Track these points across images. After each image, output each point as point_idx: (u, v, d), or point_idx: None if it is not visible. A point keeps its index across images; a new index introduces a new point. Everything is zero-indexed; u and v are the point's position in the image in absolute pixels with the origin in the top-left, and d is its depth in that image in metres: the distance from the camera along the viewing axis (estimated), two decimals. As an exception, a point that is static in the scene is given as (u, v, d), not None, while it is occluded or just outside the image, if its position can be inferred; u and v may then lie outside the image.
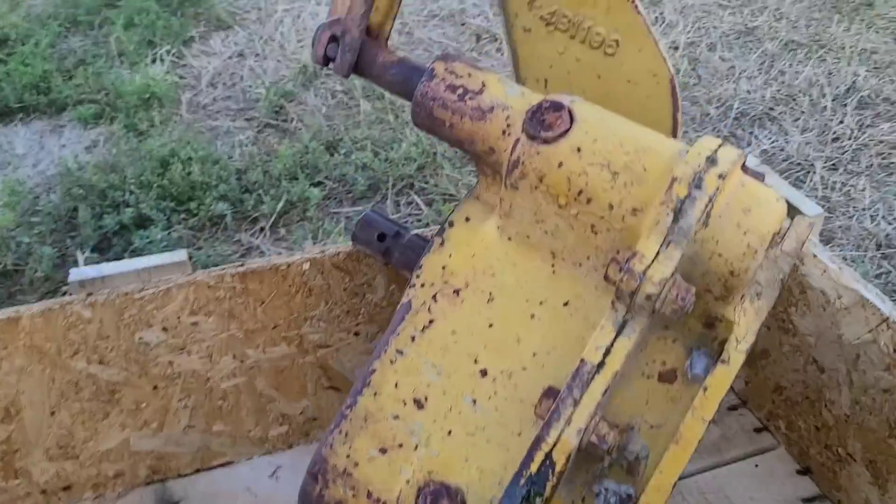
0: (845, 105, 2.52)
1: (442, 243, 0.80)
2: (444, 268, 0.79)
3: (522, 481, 0.68)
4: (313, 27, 3.21)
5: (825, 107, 2.52)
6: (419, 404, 0.76)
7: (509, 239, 0.77)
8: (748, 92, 2.62)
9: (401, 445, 0.76)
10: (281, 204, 2.07)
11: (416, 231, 0.96)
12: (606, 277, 0.67)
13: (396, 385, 0.77)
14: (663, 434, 0.71)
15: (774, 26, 3.11)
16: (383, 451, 0.76)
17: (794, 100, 2.57)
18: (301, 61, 2.88)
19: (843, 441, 1.04)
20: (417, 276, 0.80)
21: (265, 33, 3.20)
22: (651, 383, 0.73)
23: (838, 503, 1.07)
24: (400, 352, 0.78)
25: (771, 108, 2.52)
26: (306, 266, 1.03)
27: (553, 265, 0.76)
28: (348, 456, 0.77)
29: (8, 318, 0.95)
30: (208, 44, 3.15)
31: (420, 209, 2.09)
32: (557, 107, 0.70)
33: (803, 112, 2.50)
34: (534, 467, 0.68)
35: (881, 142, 2.32)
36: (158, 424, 1.08)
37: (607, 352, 0.68)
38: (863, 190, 2.12)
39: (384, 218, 0.98)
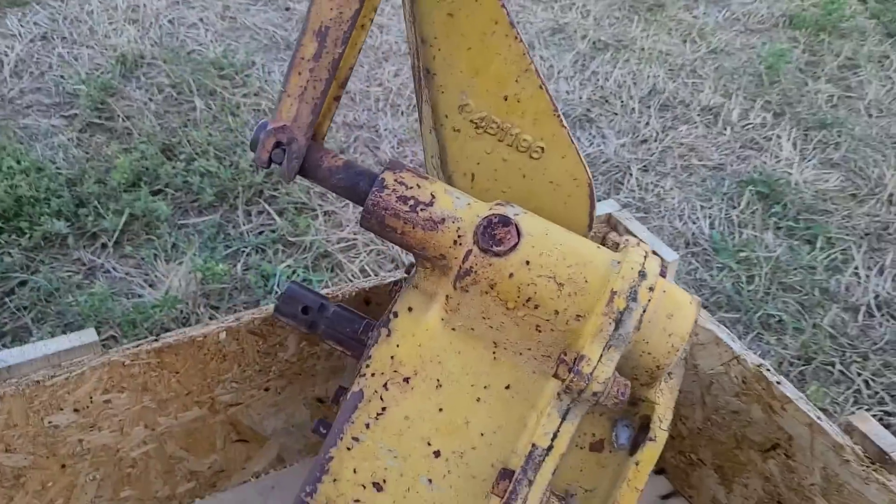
0: (649, 107, 2.81)
1: (388, 334, 0.85)
2: (392, 357, 0.85)
3: (488, 557, 0.77)
4: (124, 7, 2.98)
5: (633, 108, 2.79)
6: (378, 487, 0.82)
7: (453, 329, 0.84)
8: (567, 93, 2.83)
9: (363, 528, 0.82)
10: (124, 218, 1.96)
11: (337, 304, 1.00)
12: (556, 376, 0.77)
13: (355, 470, 0.83)
14: (597, 496, 0.83)
15: (582, 24, 3.35)
16: (347, 534, 0.81)
17: (607, 101, 2.82)
18: (118, 49, 2.69)
19: (695, 449, 1.24)
20: (367, 366, 0.85)
21: (69, 13, 2.93)
22: (583, 453, 0.84)
23: (690, 498, 1.27)
24: (356, 439, 0.83)
25: (588, 110, 2.75)
26: (223, 335, 1.04)
27: (494, 353, 0.84)
28: (312, 542, 0.81)
29: None
30: (3, 23, 2.83)
31: (273, 219, 2.07)
32: (506, 222, 0.78)
33: (616, 114, 2.75)
34: (498, 544, 0.77)
35: (681, 144, 2.63)
36: (64, 501, 1.04)
37: (555, 436, 0.78)
38: (670, 190, 2.40)
39: (306, 290, 1.01)
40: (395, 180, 0.81)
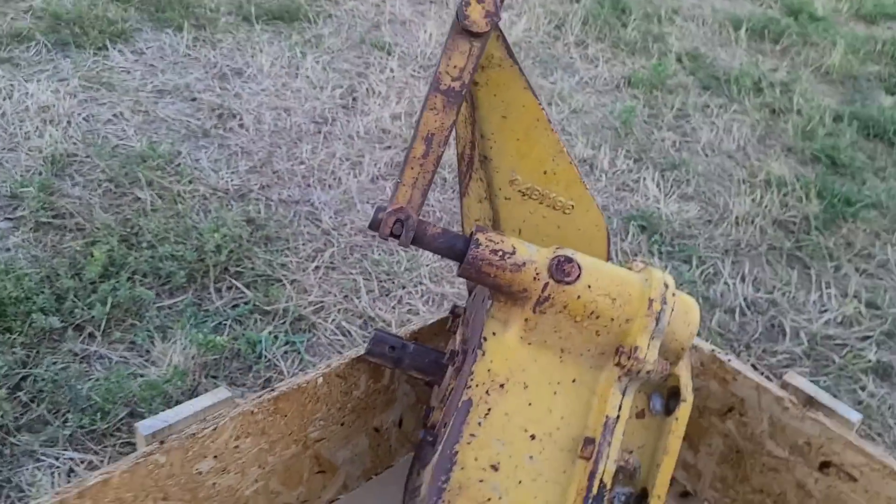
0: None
1: (483, 353, 1.13)
2: (489, 370, 1.12)
3: (590, 502, 1.05)
4: (35, 109, 3.04)
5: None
6: (495, 468, 1.09)
7: (530, 343, 1.13)
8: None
9: (489, 500, 1.07)
10: (108, 308, 2.07)
11: (414, 342, 1.27)
12: (618, 364, 1.08)
13: (476, 458, 1.09)
14: (646, 451, 1.14)
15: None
16: (477, 506, 1.07)
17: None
18: (44, 150, 2.76)
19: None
20: (472, 380, 1.11)
21: (-20, 117, 2.95)
22: (632, 421, 1.15)
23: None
24: (473, 435, 1.10)
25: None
26: (320, 380, 1.26)
27: (561, 357, 1.14)
28: (454, 518, 1.06)
29: (100, 481, 1.03)
30: (-82, 135, 2.81)
31: (243, 293, 2.25)
32: (569, 259, 1.09)
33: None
34: (595, 490, 1.05)
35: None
36: (194, 540, 1.21)
37: (620, 407, 1.09)
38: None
39: (388, 334, 1.26)
40: (486, 238, 1.09)
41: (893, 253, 3.02)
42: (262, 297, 2.24)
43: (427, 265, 2.50)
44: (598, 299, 1.09)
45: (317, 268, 2.42)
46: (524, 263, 1.09)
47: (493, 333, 1.14)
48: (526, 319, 1.12)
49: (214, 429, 1.14)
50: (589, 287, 1.09)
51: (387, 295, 2.38)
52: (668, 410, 1.14)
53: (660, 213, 3.00)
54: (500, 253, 1.09)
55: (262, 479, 1.27)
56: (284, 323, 2.17)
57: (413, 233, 1.08)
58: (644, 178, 3.24)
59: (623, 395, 1.10)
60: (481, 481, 1.08)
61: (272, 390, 1.21)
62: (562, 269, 1.08)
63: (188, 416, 1.12)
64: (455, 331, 1.30)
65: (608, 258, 1.22)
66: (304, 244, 2.51)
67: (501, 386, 1.12)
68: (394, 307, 2.32)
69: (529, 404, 1.12)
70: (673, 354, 1.12)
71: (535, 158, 1.16)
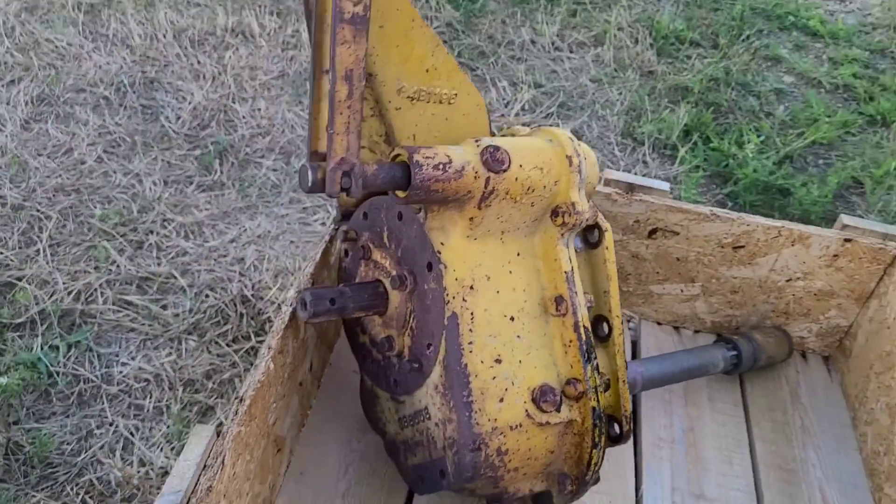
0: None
1: (445, 266, 1.09)
2: (456, 279, 1.09)
3: (585, 348, 1.14)
4: None
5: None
6: (499, 361, 1.10)
7: (476, 239, 1.12)
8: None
9: (506, 389, 1.11)
10: None
11: (343, 284, 1.17)
12: (562, 224, 1.13)
13: (482, 361, 1.09)
14: (587, 285, 1.25)
15: None
16: (501, 399, 1.10)
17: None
18: None
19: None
20: (447, 294, 1.08)
21: None
22: (567, 265, 1.24)
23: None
24: (471, 343, 1.09)
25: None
26: (271, 366, 1.11)
27: (502, 238, 1.15)
28: (489, 419, 1.08)
29: None
30: None
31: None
32: (496, 148, 1.07)
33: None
34: (583, 336, 1.14)
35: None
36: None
37: (570, 259, 1.17)
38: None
39: (318, 288, 1.14)
40: (423, 157, 1.02)
41: (526, 32, 3.39)
42: (7, 312, 1.79)
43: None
44: (531, 174, 1.10)
45: (39, 251, 1.98)
46: (462, 168, 1.05)
47: (442, 244, 1.11)
48: (471, 218, 1.10)
49: (222, 467, 0.97)
50: (521, 166, 1.09)
51: (140, 247, 2.06)
52: (591, 244, 1.24)
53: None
54: (441, 166, 1.03)
55: (250, 490, 1.13)
56: (52, 328, 1.79)
57: (362, 180, 0.96)
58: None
59: (567, 248, 1.17)
60: (494, 378, 1.10)
61: (241, 399, 1.05)
62: (496, 160, 1.07)
63: (194, 473, 0.93)
64: (367, 256, 1.22)
65: (490, 132, 1.23)
66: (10, 233, 2.01)
67: (472, 288, 1.11)
68: (158, 257, 2.03)
69: (497, 292, 1.14)
70: (588, 196, 1.20)
71: (416, 59, 1.08)
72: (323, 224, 2.23)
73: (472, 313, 1.10)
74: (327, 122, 0.92)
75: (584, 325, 1.15)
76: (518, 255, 1.16)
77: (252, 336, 1.85)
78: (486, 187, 1.06)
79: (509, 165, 1.07)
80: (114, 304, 1.87)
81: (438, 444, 1.13)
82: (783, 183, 2.63)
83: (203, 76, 2.84)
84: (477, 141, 1.09)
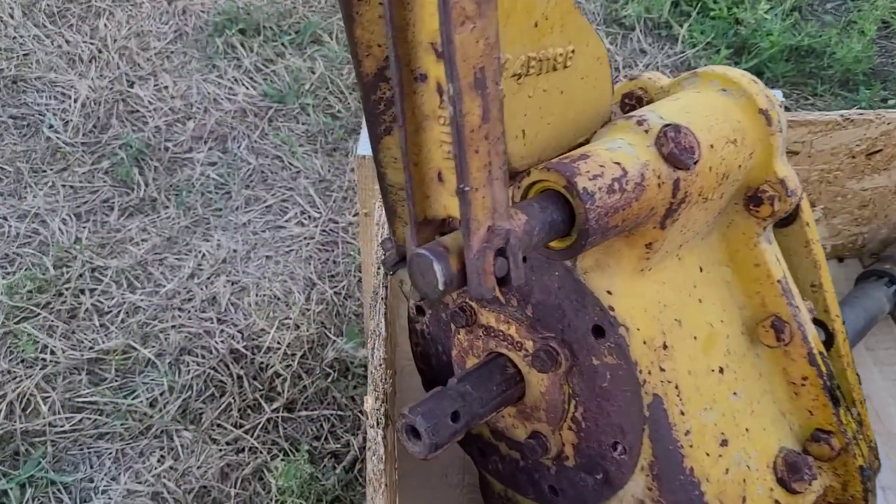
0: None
1: (627, 329, 0.72)
2: (644, 343, 0.73)
3: (829, 384, 0.80)
4: None
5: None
6: (725, 443, 0.76)
7: (649, 270, 0.75)
8: None
9: (744, 478, 0.76)
10: None
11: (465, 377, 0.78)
12: (762, 212, 0.77)
13: (707, 454, 0.74)
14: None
15: None
16: (743, 500, 0.76)
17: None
18: None
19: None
20: (639, 371, 0.72)
21: None
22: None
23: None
24: (687, 433, 0.73)
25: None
26: None
27: (678, 256, 0.78)
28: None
29: None
30: None
31: None
32: (677, 129, 0.68)
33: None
34: (822, 367, 0.80)
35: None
36: None
37: (778, 259, 0.81)
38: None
39: (430, 400, 0.75)
40: (588, 177, 0.62)
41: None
42: None
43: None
44: (725, 155, 0.72)
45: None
46: (642, 176, 0.66)
47: (609, 293, 0.73)
48: (648, 245, 0.72)
49: None
50: (712, 147, 0.71)
51: (73, 317, 1.59)
52: (784, 221, 0.88)
53: None
54: (617, 185, 0.64)
55: None
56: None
57: (522, 254, 0.57)
58: None
59: (771, 244, 0.81)
60: (727, 472, 0.76)
61: None
62: (683, 147, 0.68)
63: None
64: (470, 322, 0.83)
65: (612, 91, 0.83)
66: None
67: (665, 348, 0.74)
68: (103, 325, 1.57)
69: (695, 338, 0.77)
70: (778, 157, 0.83)
71: (521, 12, 0.66)
72: (301, 224, 1.79)
73: (676, 388, 0.74)
74: (445, 171, 0.51)
75: (819, 352, 0.81)
76: (701, 270, 0.80)
77: (263, 403, 1.44)
78: (674, 195, 0.68)
79: (699, 152, 0.69)
80: (64, 408, 1.43)
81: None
82: (811, 42, 2.30)
83: (79, 59, 2.28)
84: (639, 121, 0.70)
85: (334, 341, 1.54)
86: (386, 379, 0.85)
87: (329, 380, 1.49)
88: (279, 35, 2.35)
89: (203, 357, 1.50)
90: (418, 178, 0.58)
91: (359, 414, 1.45)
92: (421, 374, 0.96)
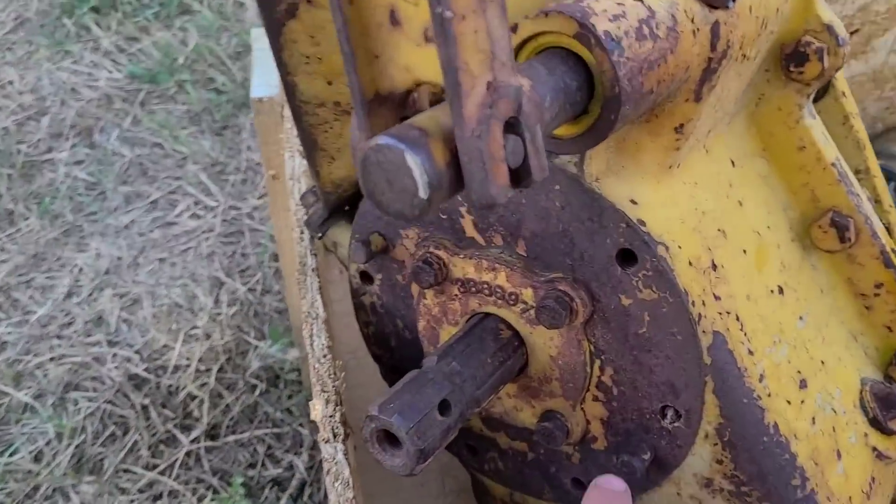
0: None
1: (667, 247, 0.52)
2: (690, 265, 0.53)
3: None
4: None
5: None
6: (804, 384, 0.58)
7: (678, 167, 0.55)
8: None
9: (832, 422, 0.59)
10: None
11: (435, 355, 0.57)
12: (807, 73, 0.58)
13: (788, 401, 0.56)
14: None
15: None
16: (837, 453, 0.58)
17: None
18: None
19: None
20: (689, 300, 0.53)
21: None
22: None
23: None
24: (761, 377, 0.55)
25: None
26: None
27: (705, 147, 0.59)
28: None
29: None
30: None
31: None
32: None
33: None
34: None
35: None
36: None
37: (826, 137, 0.63)
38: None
39: (402, 390, 0.54)
40: (608, 19, 0.42)
41: None
42: None
43: None
44: (765, -10, 0.54)
45: None
46: (673, 18, 0.46)
47: (634, 202, 0.53)
48: (679, 126, 0.52)
49: None
50: (748, -23, 0.52)
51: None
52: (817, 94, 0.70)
53: None
54: (645, 28, 0.44)
55: None
56: None
57: (539, 126, 0.36)
58: None
59: (816, 118, 0.63)
60: (814, 420, 0.58)
61: None
62: (718, -23, 0.49)
63: None
64: (440, 278, 0.62)
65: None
66: None
67: (714, 267, 0.55)
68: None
69: (744, 252, 0.59)
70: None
71: None
72: (196, 216, 1.54)
73: (738, 319, 0.55)
74: (401, 5, 0.30)
75: (893, 250, 0.63)
76: (733, 165, 0.61)
77: (178, 435, 1.20)
78: (713, 47, 0.49)
79: (737, -19, 0.50)
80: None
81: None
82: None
83: None
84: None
85: (256, 347, 1.30)
86: (335, 373, 0.64)
87: (257, 393, 1.26)
88: (140, 10, 2.07)
89: (95, 390, 1.24)
90: (359, 25, 0.36)
91: (299, 428, 1.22)
92: (379, 362, 0.74)
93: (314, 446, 1.18)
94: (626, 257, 0.53)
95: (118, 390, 1.23)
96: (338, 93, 0.57)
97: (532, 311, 0.58)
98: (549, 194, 0.55)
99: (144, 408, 1.22)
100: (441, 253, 0.61)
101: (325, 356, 0.64)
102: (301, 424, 1.22)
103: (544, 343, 0.59)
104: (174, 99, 1.82)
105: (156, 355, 1.28)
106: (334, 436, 0.59)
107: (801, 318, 0.61)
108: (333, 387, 0.62)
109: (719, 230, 0.57)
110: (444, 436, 0.54)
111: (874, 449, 0.61)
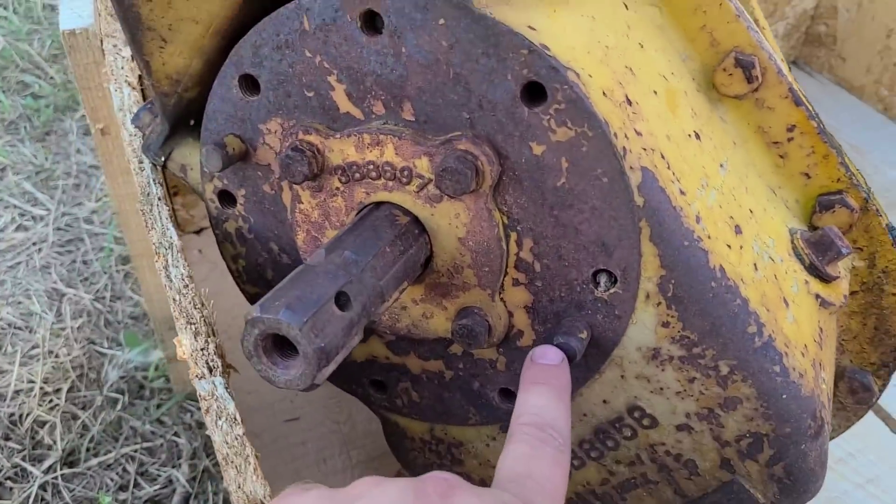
0: None
1: (577, 74, 0.45)
2: (603, 95, 0.46)
3: (821, 125, 0.59)
4: None
5: None
6: (738, 229, 0.52)
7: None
8: None
9: (775, 276, 0.53)
10: None
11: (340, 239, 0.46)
12: None
13: (728, 245, 0.50)
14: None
15: None
16: (784, 300, 0.53)
17: None
18: None
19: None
20: (611, 131, 0.45)
21: None
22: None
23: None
24: (698, 217, 0.48)
25: None
26: None
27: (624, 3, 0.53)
28: (800, 351, 0.51)
29: None
30: None
31: None
32: None
33: None
34: (812, 111, 0.59)
35: None
36: None
37: None
38: None
39: (297, 287, 0.44)
40: None
41: None
42: None
43: None
44: None
45: None
46: None
47: (532, 28, 0.46)
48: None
49: None
50: None
51: None
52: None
53: None
54: None
55: None
56: None
57: None
58: None
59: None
60: (755, 266, 0.52)
61: None
62: None
63: None
64: (316, 170, 0.52)
65: None
66: None
67: (629, 102, 0.49)
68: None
69: (654, 93, 0.53)
70: None
71: None
72: (23, 228, 1.34)
73: (663, 157, 0.49)
74: None
75: (800, 91, 0.59)
76: (626, 8, 0.56)
77: (28, 467, 1.02)
78: None
79: None
80: None
81: (705, 463, 0.54)
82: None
83: None
84: None
85: (112, 357, 1.14)
86: (201, 304, 0.52)
87: (119, 407, 1.10)
88: (-68, 20, 1.83)
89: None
90: None
91: (175, 438, 1.07)
92: (253, 301, 0.63)
93: (195, 454, 1.03)
94: (533, 93, 0.46)
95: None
96: (159, -64, 0.46)
97: (430, 186, 0.50)
98: (432, 33, 0.46)
99: (-20, 445, 1.03)
100: (313, 138, 0.52)
101: (186, 286, 0.53)
102: (176, 433, 1.06)
103: (449, 223, 0.51)
104: (-17, 109, 1.61)
105: (-10, 383, 1.09)
106: (210, 370, 0.48)
107: (721, 165, 0.56)
108: (202, 317, 0.51)
109: (626, 67, 0.51)
110: (347, 333, 0.44)
111: (817, 296, 0.56)
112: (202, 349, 0.49)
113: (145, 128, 0.62)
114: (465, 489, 0.36)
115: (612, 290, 0.49)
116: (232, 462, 0.44)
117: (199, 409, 1.09)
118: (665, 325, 0.49)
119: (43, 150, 1.52)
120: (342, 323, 0.43)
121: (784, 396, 0.49)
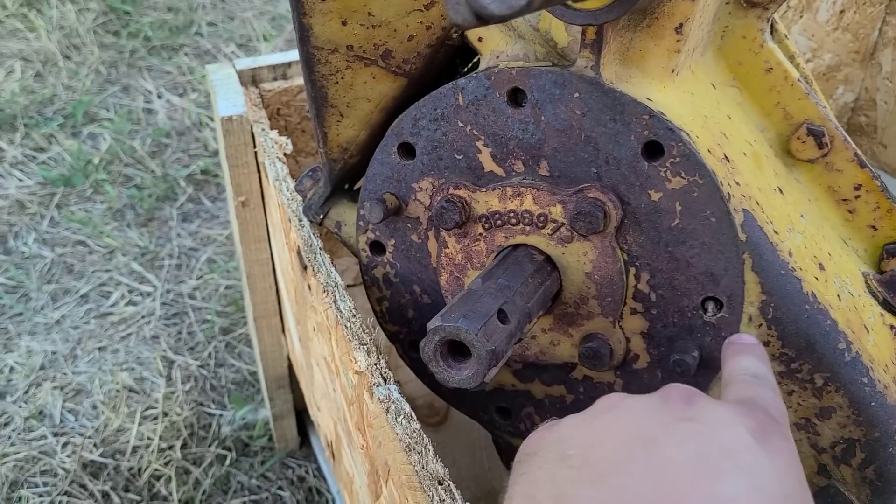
0: None
1: (688, 134, 0.55)
2: (708, 151, 0.57)
3: (883, 183, 0.69)
4: None
5: None
6: (821, 266, 0.61)
7: (678, 75, 0.60)
8: None
9: (855, 308, 0.62)
10: None
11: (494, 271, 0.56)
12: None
13: (815, 277, 0.59)
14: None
15: None
16: (865, 327, 0.61)
17: None
18: None
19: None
20: (718, 180, 0.55)
21: None
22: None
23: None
24: (790, 253, 0.58)
25: None
26: None
27: (690, 68, 0.64)
28: (883, 368, 0.59)
29: None
30: None
31: None
32: None
33: None
34: (872, 169, 0.68)
35: None
36: None
37: (792, 57, 0.69)
38: None
39: (466, 305, 0.53)
40: None
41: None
42: None
43: None
44: None
45: None
46: None
47: (649, 99, 0.57)
48: (678, 27, 0.57)
49: None
50: None
51: None
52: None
53: None
54: None
55: None
56: None
57: None
58: None
59: (774, 43, 0.70)
60: (839, 297, 0.61)
61: None
62: None
63: None
64: (462, 219, 0.63)
65: None
66: None
67: (727, 159, 0.59)
68: None
69: (744, 154, 0.63)
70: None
71: None
72: (133, 303, 1.47)
73: (758, 203, 0.59)
74: None
75: (862, 156, 0.69)
76: (714, 87, 0.66)
77: (147, 515, 1.10)
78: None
79: None
80: None
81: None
82: None
83: None
84: None
85: (220, 416, 1.23)
86: (369, 328, 0.62)
87: (227, 463, 1.18)
88: (43, 123, 2.03)
89: (46, 484, 1.13)
90: None
91: (279, 492, 1.15)
92: (395, 340, 0.73)
93: (297, 507, 1.10)
94: (652, 150, 0.56)
95: (73, 480, 1.12)
96: (351, 34, 0.59)
97: (563, 229, 0.60)
98: (568, 104, 0.57)
99: (105, 494, 1.11)
100: (461, 192, 0.63)
101: (354, 315, 0.63)
102: (280, 487, 1.14)
103: (577, 261, 0.60)
104: (91, 199, 1.77)
105: (111, 439, 1.18)
106: (384, 379, 0.57)
107: (801, 215, 0.65)
108: (371, 339, 0.61)
109: (721, 132, 0.62)
110: (508, 341, 0.53)
111: (891, 326, 0.64)
112: (375, 364, 0.59)
113: (307, 191, 0.73)
114: (704, 396, 0.44)
115: (719, 315, 0.58)
116: (415, 450, 0.53)
117: (300, 465, 1.17)
118: (766, 343, 0.58)
119: (147, 234, 1.67)
120: (505, 332, 0.53)
121: (872, 404, 0.57)
